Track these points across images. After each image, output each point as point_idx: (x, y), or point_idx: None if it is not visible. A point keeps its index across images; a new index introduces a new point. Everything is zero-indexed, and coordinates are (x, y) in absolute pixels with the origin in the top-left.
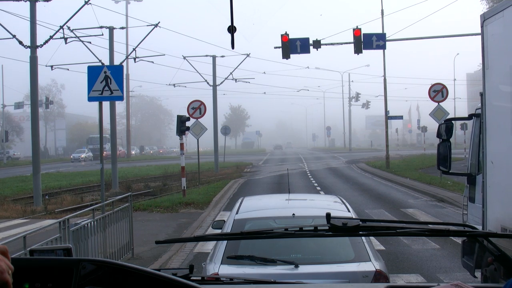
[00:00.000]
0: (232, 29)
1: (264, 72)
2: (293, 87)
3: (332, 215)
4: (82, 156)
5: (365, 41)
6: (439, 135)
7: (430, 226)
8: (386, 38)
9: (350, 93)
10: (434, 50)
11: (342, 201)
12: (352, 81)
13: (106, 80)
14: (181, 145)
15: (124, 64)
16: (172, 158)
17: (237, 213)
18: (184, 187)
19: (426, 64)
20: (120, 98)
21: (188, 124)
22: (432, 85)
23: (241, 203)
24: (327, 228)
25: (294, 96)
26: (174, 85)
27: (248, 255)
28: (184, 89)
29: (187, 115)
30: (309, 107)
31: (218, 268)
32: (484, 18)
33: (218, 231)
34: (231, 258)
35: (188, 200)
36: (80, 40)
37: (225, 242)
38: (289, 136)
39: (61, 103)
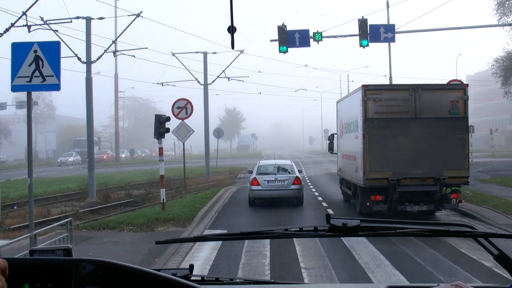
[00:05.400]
0: (232, 29)
1: (260, 71)
2: (290, 87)
3: (282, 163)
4: (70, 159)
5: (371, 33)
6: (329, 139)
7: (430, 226)
8: (395, 30)
9: None
10: (434, 51)
11: (292, 162)
12: (353, 81)
13: (37, 62)
14: (160, 149)
15: (113, 62)
16: (164, 162)
17: (259, 164)
18: (163, 199)
19: (426, 65)
20: (56, 87)
21: (172, 125)
22: None
23: (259, 162)
24: (327, 228)
25: (291, 97)
26: (162, 84)
27: (263, 172)
28: (175, 89)
29: (172, 115)
30: (306, 109)
31: (255, 175)
32: (337, 102)
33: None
34: (259, 173)
35: (167, 216)
36: (50, 28)
37: (257, 166)
38: (285, 139)
39: (51, 105)
